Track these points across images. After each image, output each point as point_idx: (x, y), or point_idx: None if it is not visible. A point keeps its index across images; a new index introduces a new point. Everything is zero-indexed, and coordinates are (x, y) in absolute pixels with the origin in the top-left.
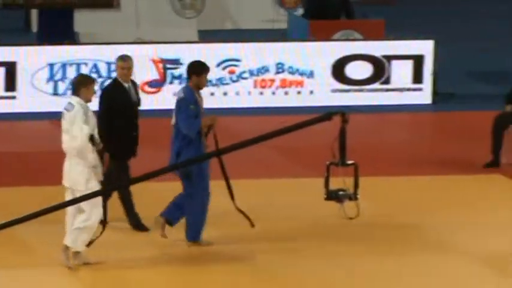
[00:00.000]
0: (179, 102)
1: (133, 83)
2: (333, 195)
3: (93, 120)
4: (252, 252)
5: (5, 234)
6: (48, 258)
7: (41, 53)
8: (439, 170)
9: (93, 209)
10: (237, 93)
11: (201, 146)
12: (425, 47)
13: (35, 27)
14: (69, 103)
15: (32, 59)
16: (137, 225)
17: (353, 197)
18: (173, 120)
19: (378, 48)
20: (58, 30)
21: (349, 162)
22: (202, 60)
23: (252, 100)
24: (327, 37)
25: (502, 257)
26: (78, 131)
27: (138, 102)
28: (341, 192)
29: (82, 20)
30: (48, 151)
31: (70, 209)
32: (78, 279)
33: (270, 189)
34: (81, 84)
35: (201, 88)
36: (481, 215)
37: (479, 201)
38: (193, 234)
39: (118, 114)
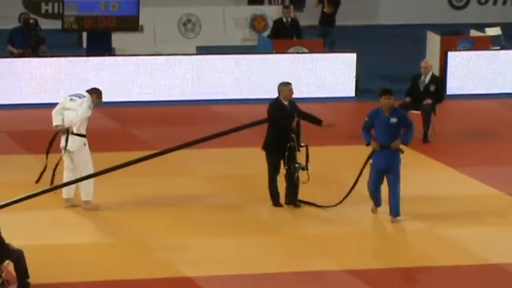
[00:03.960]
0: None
1: (292, 102)
2: (291, 167)
3: (90, 112)
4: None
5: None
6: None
7: (88, 61)
8: (356, 141)
9: (84, 169)
10: None
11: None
12: (350, 58)
13: (84, 44)
14: (81, 93)
15: (81, 66)
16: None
17: (305, 168)
18: None
19: (319, 57)
20: (100, 46)
21: (303, 144)
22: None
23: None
24: (284, 51)
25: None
26: (82, 112)
27: (294, 115)
28: (297, 165)
29: (116, 38)
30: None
31: (66, 166)
32: (90, 218)
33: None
34: (97, 95)
35: (383, 107)
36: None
37: None
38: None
39: (276, 123)
